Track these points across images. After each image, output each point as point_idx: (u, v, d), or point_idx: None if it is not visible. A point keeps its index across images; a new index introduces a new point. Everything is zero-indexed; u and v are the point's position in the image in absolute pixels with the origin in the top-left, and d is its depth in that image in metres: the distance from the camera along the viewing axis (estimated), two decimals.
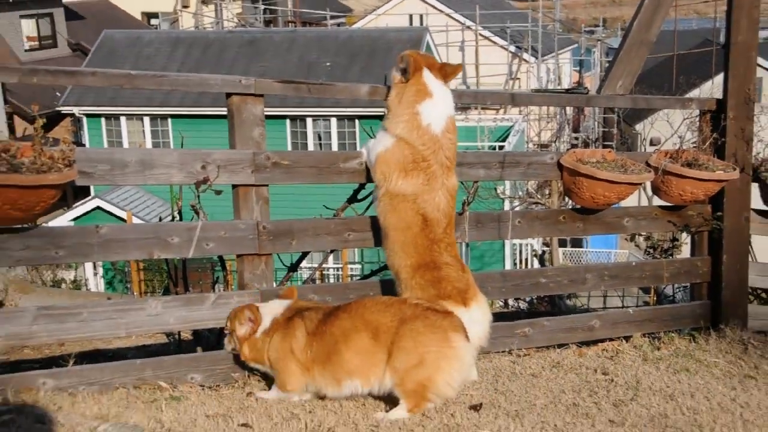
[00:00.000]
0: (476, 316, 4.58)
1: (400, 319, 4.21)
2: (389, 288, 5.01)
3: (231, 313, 4.52)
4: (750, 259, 6.01)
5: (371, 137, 4.87)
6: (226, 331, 4.57)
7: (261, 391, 4.57)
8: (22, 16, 32.81)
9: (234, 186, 4.77)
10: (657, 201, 5.90)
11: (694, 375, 5.05)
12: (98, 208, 22.47)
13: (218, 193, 4.71)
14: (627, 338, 5.66)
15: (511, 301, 11.60)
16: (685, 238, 6.21)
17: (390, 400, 4.28)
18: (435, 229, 4.59)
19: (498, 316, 4.81)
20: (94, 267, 21.37)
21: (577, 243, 28.93)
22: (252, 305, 4.48)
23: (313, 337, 4.33)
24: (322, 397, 4.43)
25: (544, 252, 27.22)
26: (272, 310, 4.49)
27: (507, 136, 26.48)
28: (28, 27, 33.43)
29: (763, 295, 7.19)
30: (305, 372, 4.36)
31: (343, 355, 4.26)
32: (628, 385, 4.85)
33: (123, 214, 21.77)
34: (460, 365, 4.20)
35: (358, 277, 16.60)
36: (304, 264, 6.63)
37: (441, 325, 4.19)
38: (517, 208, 20.81)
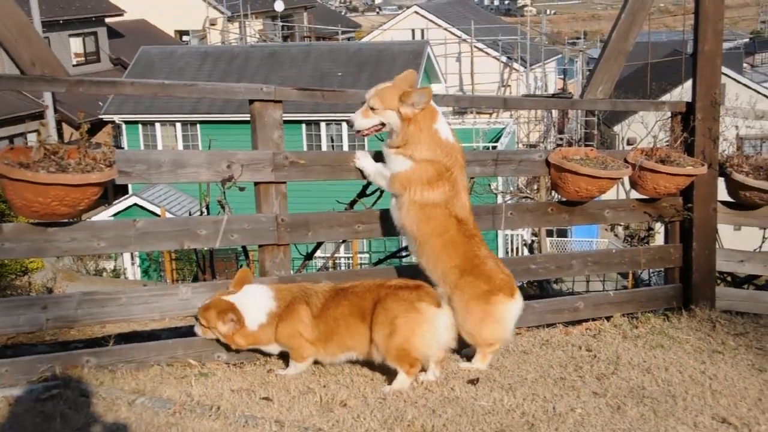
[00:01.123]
0: (519, 305, 4.57)
1: (376, 300, 4.32)
2: (394, 274, 5.01)
3: (208, 308, 4.40)
4: (717, 246, 5.98)
5: (380, 140, 4.77)
6: (201, 323, 4.44)
7: (280, 369, 4.55)
8: (70, 35, 32.79)
9: (256, 183, 4.74)
10: (634, 194, 5.87)
11: (668, 351, 5.02)
12: (135, 204, 22.53)
13: (242, 189, 4.69)
14: (608, 318, 5.63)
15: None
16: (659, 228, 6.17)
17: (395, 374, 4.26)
18: (467, 226, 4.50)
19: None
20: (132, 257, 21.38)
21: (562, 233, 28.86)
22: (232, 305, 4.35)
23: (318, 320, 4.38)
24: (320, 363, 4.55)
25: (533, 241, 27.15)
26: (262, 303, 4.41)
27: (499, 138, 26.44)
28: (76, 44, 33.38)
29: (729, 278, 7.16)
30: (313, 346, 4.41)
31: (342, 336, 4.38)
32: (609, 360, 4.82)
33: (157, 210, 21.80)
34: (430, 327, 4.24)
35: (367, 265, 16.58)
36: (318, 253, 6.62)
37: (408, 298, 4.27)
38: (509, 202, 20.76)
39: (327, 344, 4.40)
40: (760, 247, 7.10)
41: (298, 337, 4.38)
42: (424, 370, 4.39)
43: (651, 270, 10.07)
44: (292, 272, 4.97)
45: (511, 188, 23.50)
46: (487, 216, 5.36)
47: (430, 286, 4.44)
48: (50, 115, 25.67)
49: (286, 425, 3.67)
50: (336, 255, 13.99)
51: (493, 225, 5.41)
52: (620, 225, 6.32)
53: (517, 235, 26.09)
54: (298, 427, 3.66)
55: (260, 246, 4.80)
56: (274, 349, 4.53)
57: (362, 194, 5.77)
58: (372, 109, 4.44)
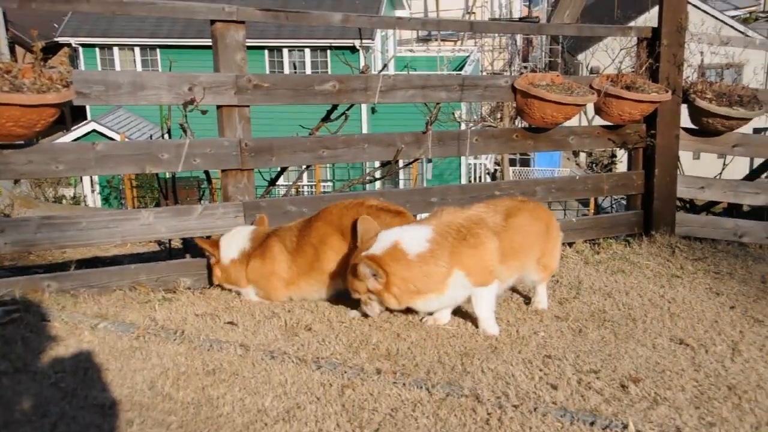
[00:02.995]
0: None
1: (357, 219, 4.22)
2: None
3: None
4: (678, 173, 6.04)
5: (345, 64, 4.66)
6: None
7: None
8: None
9: (218, 106, 4.66)
10: (597, 121, 5.88)
11: (629, 275, 5.10)
12: (94, 131, 22.11)
13: (204, 112, 4.60)
14: (570, 244, 5.68)
15: None
16: (622, 156, 6.21)
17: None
18: None
19: None
20: (92, 184, 21.11)
21: (525, 162, 29.03)
22: (216, 240, 4.52)
23: (295, 254, 4.33)
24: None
25: (495, 170, 27.26)
26: (239, 239, 4.48)
27: (463, 66, 26.28)
28: None
29: (688, 205, 7.26)
30: (289, 286, 4.38)
31: (323, 260, 4.27)
32: (571, 285, 4.89)
33: (117, 136, 21.44)
34: None
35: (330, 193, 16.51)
36: (280, 182, 6.56)
37: (391, 223, 4.21)
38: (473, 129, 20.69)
39: (310, 275, 4.33)
40: (720, 174, 7.18)
41: (270, 279, 4.38)
42: None
43: (613, 199, 10.17)
44: (256, 198, 4.93)
45: (475, 116, 23.45)
46: (452, 142, 5.34)
47: (410, 213, 4.41)
48: (1, 33, 24.88)
49: (252, 349, 3.67)
50: (299, 183, 13.93)
51: (458, 151, 5.40)
52: (583, 152, 6.34)
53: (480, 164, 26.17)
54: (264, 351, 3.66)
55: (223, 171, 4.75)
56: (251, 293, 4.50)
57: (326, 119, 5.70)
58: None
